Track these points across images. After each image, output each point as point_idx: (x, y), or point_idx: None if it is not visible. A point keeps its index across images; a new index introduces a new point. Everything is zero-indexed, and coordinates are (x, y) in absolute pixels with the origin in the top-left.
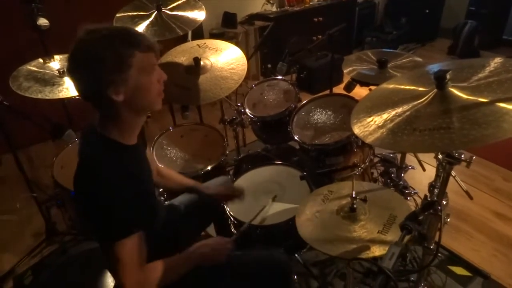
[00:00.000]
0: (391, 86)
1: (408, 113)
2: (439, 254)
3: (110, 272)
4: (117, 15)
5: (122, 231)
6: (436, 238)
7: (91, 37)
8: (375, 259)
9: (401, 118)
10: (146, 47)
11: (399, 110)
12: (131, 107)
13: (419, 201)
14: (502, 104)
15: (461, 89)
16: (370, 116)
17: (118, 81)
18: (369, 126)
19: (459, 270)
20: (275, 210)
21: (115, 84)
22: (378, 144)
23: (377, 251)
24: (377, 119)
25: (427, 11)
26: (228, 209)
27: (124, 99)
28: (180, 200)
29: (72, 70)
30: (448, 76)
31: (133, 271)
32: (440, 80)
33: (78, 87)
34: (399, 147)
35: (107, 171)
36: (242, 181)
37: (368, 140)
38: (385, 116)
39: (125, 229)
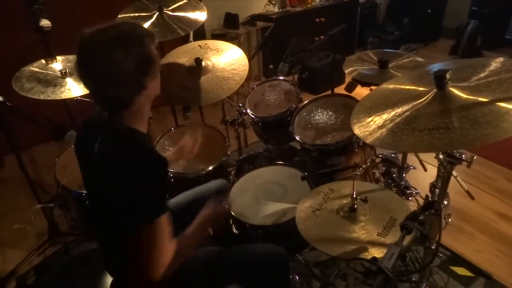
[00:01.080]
0: (391, 86)
1: (408, 113)
2: (441, 255)
3: (134, 261)
4: (119, 16)
5: (160, 209)
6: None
7: (111, 35)
8: (375, 259)
9: (400, 118)
10: (155, 37)
11: (399, 110)
12: (148, 96)
13: (421, 201)
14: (501, 104)
15: (461, 89)
16: (370, 116)
17: (153, 73)
18: (369, 126)
19: (461, 271)
20: (275, 210)
21: (150, 76)
22: (377, 144)
23: (376, 253)
24: (377, 119)
25: (429, 11)
26: None
27: (148, 89)
28: (177, 200)
29: (102, 73)
30: (447, 76)
31: (168, 246)
32: (439, 80)
33: (109, 88)
34: (398, 147)
35: (140, 155)
36: (244, 182)
37: (368, 140)
38: (385, 116)
39: (162, 206)
